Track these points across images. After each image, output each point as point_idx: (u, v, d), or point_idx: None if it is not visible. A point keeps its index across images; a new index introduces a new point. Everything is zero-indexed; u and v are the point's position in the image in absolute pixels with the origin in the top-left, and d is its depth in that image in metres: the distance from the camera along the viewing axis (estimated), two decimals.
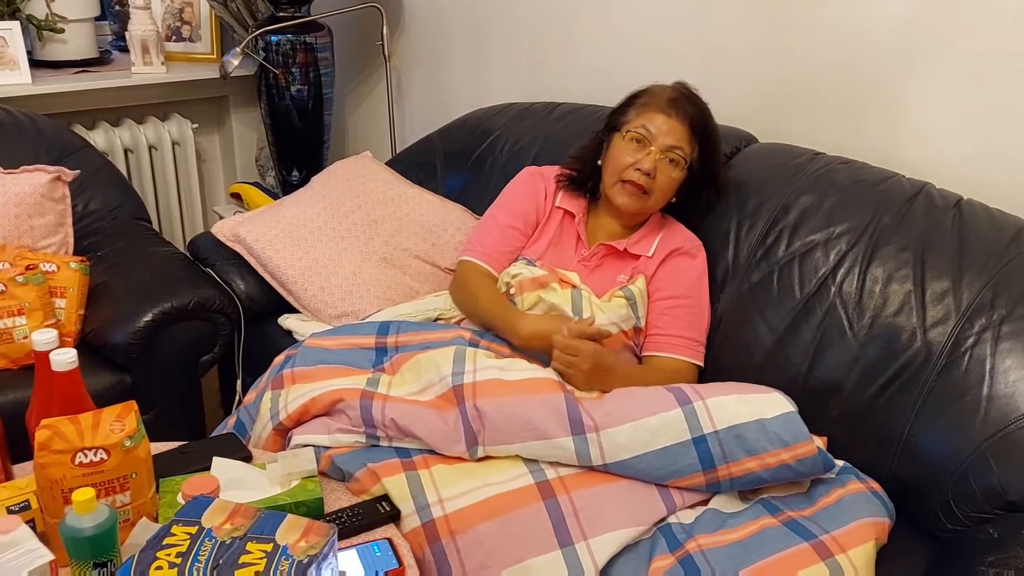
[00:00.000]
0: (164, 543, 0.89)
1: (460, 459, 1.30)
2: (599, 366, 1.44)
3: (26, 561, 0.92)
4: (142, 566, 0.86)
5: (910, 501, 1.35)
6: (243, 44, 2.44)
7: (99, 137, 2.59)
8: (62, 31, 2.51)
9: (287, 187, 2.73)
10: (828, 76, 1.73)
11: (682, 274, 1.61)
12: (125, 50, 2.75)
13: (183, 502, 1.09)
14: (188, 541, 0.89)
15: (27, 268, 1.68)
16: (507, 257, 1.68)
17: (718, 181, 1.65)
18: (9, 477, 1.20)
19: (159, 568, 0.86)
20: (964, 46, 1.53)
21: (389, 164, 2.23)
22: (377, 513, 1.18)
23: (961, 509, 1.27)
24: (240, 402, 1.62)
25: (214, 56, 2.84)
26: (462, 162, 2.16)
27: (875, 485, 1.36)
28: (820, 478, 1.34)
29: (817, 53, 1.74)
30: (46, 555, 0.93)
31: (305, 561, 0.88)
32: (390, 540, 1.13)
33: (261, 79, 2.62)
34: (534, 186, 1.73)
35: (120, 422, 1.07)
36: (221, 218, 2.55)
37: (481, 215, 1.82)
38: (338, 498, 1.24)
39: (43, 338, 1.16)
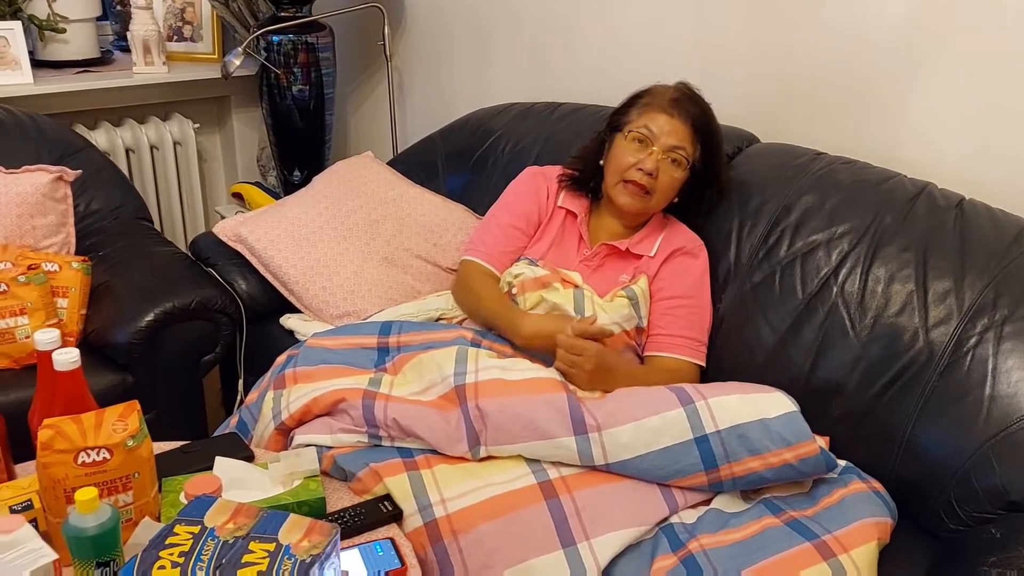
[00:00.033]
0: (167, 542, 0.89)
1: (462, 459, 1.30)
2: (602, 366, 1.44)
3: (29, 560, 0.92)
4: (145, 565, 0.86)
5: (912, 501, 1.35)
6: (245, 44, 2.44)
7: (101, 137, 2.59)
8: (64, 31, 2.51)
9: (288, 187, 2.73)
10: (828, 76, 1.73)
11: (684, 274, 1.61)
12: (127, 50, 2.75)
13: (185, 502, 1.09)
14: (191, 540, 0.89)
15: (29, 268, 1.68)
16: (509, 257, 1.68)
17: (720, 181, 1.65)
18: (12, 477, 1.20)
19: (162, 567, 0.86)
20: (965, 46, 1.53)
21: (390, 164, 2.23)
22: (379, 513, 1.18)
23: (963, 509, 1.27)
24: (242, 402, 1.62)
25: (216, 56, 2.84)
26: (463, 162, 2.16)
27: (877, 485, 1.35)
28: (822, 478, 1.34)
29: (817, 53, 1.74)
30: (49, 554, 0.93)
31: (308, 561, 0.88)
32: (392, 540, 1.13)
33: (263, 79, 2.62)
34: (536, 186, 1.73)
35: (123, 422, 1.07)
36: (223, 218, 2.55)
37: (483, 215, 1.82)
38: (340, 498, 1.24)
39: (46, 338, 1.16)
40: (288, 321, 1.89)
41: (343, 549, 1.09)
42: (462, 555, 1.16)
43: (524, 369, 1.39)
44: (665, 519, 1.27)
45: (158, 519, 1.10)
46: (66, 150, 2.08)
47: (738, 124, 1.83)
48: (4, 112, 2.06)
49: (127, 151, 2.66)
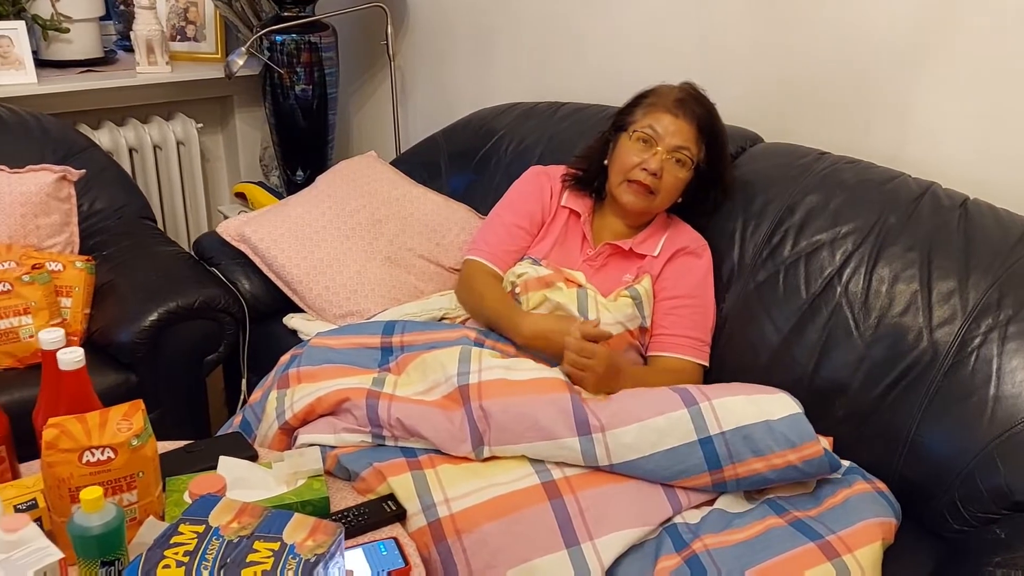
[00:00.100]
0: (172, 542, 0.89)
1: (466, 459, 1.30)
2: (611, 368, 1.44)
3: (35, 559, 0.92)
4: (149, 564, 0.86)
5: (916, 501, 1.34)
6: (248, 44, 2.44)
7: (104, 137, 2.60)
8: (67, 31, 2.51)
9: (291, 187, 2.73)
10: (829, 76, 1.73)
11: (687, 274, 1.61)
12: (130, 50, 2.75)
13: (190, 501, 1.09)
14: (196, 540, 0.89)
15: (33, 267, 1.69)
16: (512, 256, 1.68)
17: (724, 181, 1.65)
18: (16, 476, 1.20)
19: (167, 567, 0.86)
20: (967, 45, 1.53)
21: (393, 164, 2.23)
22: (383, 512, 1.18)
23: (968, 509, 1.27)
24: (245, 401, 1.62)
25: (219, 56, 2.84)
26: (466, 162, 2.16)
27: (881, 485, 1.35)
28: (826, 478, 1.34)
29: (818, 53, 1.74)
30: (55, 553, 0.93)
31: (312, 560, 0.88)
32: (396, 539, 1.13)
33: (265, 79, 2.62)
34: (540, 185, 1.73)
35: (127, 421, 1.07)
36: (226, 217, 2.55)
37: (486, 215, 1.82)
38: (344, 497, 1.25)
39: (50, 337, 1.16)
40: (291, 321, 1.89)
41: (347, 549, 1.09)
42: (466, 555, 1.16)
43: (528, 369, 1.39)
44: (669, 519, 1.27)
45: (162, 518, 1.10)
46: (70, 150, 2.09)
47: (741, 124, 1.83)
48: (8, 112, 2.06)
49: (130, 151, 2.67)
